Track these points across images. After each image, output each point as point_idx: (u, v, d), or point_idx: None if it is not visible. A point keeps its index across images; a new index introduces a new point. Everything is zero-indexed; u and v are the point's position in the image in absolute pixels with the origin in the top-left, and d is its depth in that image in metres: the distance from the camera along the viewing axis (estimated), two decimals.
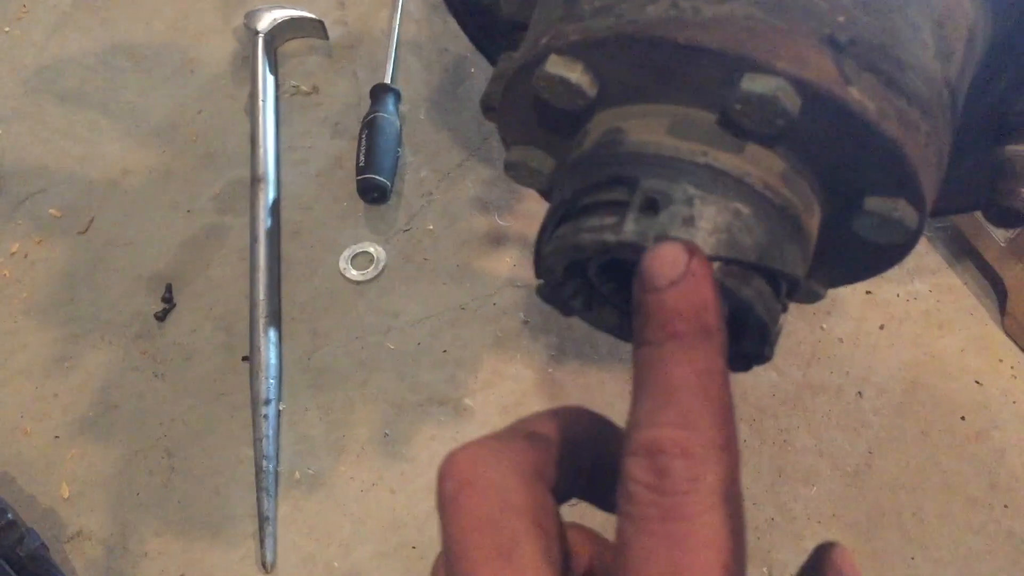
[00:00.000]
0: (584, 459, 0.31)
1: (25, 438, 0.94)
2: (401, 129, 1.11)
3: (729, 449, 0.27)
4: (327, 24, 1.20)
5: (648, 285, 0.30)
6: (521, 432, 0.30)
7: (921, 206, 0.38)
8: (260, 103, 1.12)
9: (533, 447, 0.30)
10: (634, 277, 0.32)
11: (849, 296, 0.97)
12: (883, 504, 0.86)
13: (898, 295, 0.97)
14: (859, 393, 0.91)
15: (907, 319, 0.95)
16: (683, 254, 0.30)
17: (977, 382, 0.91)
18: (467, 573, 0.27)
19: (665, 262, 0.30)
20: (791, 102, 0.35)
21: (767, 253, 0.36)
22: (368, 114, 1.09)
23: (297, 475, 0.91)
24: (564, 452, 0.31)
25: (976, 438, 0.88)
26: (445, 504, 0.28)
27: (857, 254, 0.42)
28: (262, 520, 0.88)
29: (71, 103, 1.19)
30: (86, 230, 1.08)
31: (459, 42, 1.20)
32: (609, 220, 0.37)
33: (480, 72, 1.17)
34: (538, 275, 0.42)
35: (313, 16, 1.20)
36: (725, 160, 0.37)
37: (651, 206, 0.36)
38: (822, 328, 0.95)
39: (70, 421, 0.95)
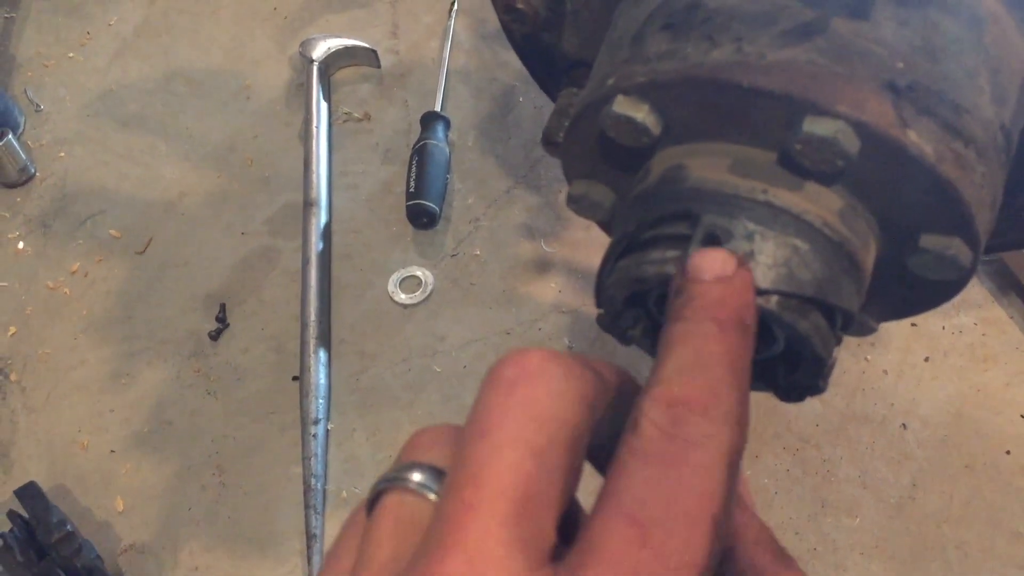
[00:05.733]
0: (621, 420, 0.31)
1: (82, 452, 0.97)
2: (450, 156, 1.13)
3: (743, 425, 0.28)
4: (379, 53, 1.23)
5: (694, 275, 0.32)
6: (589, 365, 0.30)
7: (976, 245, 0.39)
8: (314, 129, 1.15)
9: (597, 383, 0.29)
10: (677, 268, 0.33)
11: (894, 328, 0.97)
12: (927, 537, 0.86)
13: (943, 328, 0.97)
14: (903, 425, 0.91)
15: (952, 352, 0.96)
16: (732, 259, 0.33)
17: (1022, 416, 0.91)
18: (487, 453, 0.26)
19: (715, 262, 0.32)
20: (851, 144, 0.36)
21: (824, 288, 0.38)
22: (418, 141, 1.11)
23: (344, 494, 0.92)
24: (613, 403, 0.31)
25: (1021, 472, 0.88)
26: (497, 385, 0.27)
27: (910, 290, 0.44)
28: (310, 538, 0.89)
29: (131, 127, 1.23)
30: (144, 250, 1.11)
31: (507, 71, 1.22)
32: (671, 253, 0.38)
33: (528, 101, 1.19)
34: (599, 305, 0.44)
35: (366, 45, 1.23)
36: (784, 197, 0.38)
37: (712, 241, 0.38)
38: (867, 359, 0.95)
39: (126, 436, 0.98)
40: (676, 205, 0.40)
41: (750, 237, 0.37)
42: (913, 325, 0.97)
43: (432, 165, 1.09)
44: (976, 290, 0.99)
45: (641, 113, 0.40)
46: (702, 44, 0.39)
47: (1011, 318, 0.97)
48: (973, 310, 0.98)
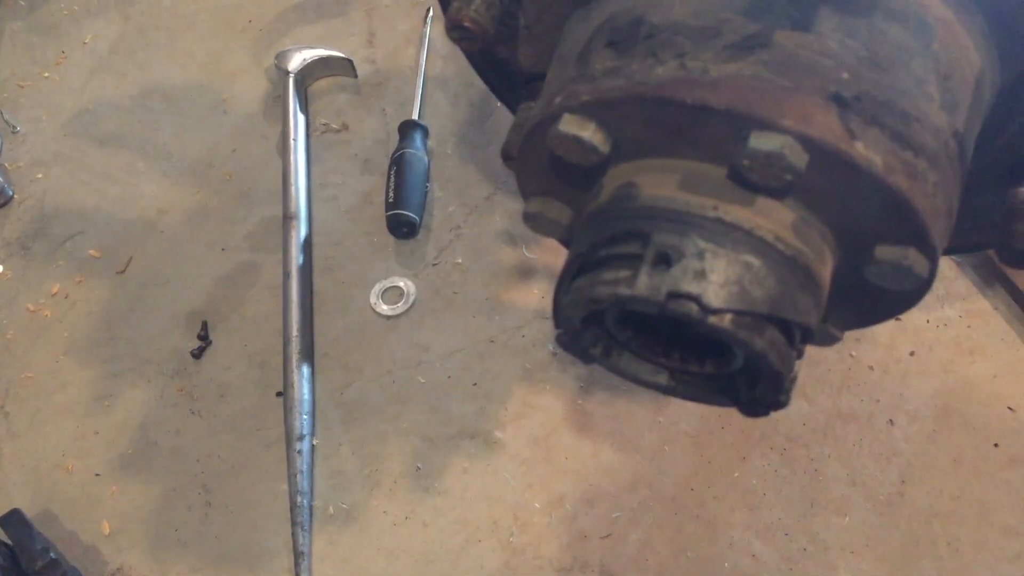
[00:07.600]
0: None
1: (67, 476, 0.97)
2: (429, 164, 1.12)
3: None
4: (356, 62, 1.23)
5: None
6: None
7: (931, 254, 0.38)
8: (292, 142, 1.15)
9: None
10: None
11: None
12: (917, 533, 0.85)
13: (928, 321, 0.96)
14: (890, 421, 0.91)
15: (938, 345, 0.95)
16: None
17: (1010, 408, 0.91)
18: None
19: None
20: (798, 158, 0.36)
21: (779, 303, 0.37)
22: (396, 150, 1.11)
23: (331, 510, 0.92)
24: None
25: (1010, 465, 0.88)
26: None
27: (871, 299, 0.43)
28: (297, 555, 0.89)
29: (109, 146, 1.22)
30: (124, 269, 1.10)
31: None
32: (624, 274, 0.38)
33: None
34: (557, 325, 0.43)
35: (342, 55, 1.22)
36: (735, 213, 0.38)
37: (664, 260, 0.37)
38: (851, 356, 0.95)
39: (110, 459, 0.97)
40: (627, 224, 0.39)
41: (701, 255, 0.37)
42: (897, 319, 0.97)
43: (411, 174, 1.09)
44: (960, 282, 0.99)
45: (588, 132, 0.39)
46: (646, 60, 0.38)
47: (996, 309, 0.96)
48: (958, 302, 0.97)
